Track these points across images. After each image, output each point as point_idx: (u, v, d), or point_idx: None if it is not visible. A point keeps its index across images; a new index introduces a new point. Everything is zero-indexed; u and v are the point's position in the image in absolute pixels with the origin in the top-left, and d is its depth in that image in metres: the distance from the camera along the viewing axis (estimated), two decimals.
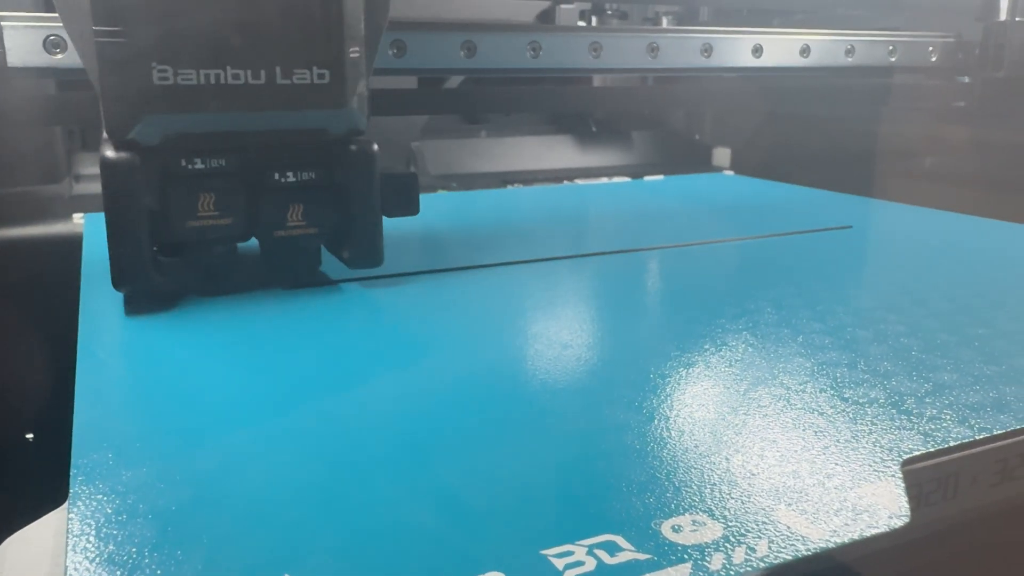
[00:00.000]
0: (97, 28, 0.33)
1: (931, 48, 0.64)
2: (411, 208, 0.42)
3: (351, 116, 0.37)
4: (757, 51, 0.58)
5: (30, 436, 0.49)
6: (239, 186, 0.37)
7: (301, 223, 0.39)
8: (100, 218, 0.56)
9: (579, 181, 0.79)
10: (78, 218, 0.58)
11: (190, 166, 0.36)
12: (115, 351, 0.34)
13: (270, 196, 0.38)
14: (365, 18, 0.37)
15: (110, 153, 0.35)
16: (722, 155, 0.92)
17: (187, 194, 0.36)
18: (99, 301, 0.39)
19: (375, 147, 0.39)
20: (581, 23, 0.81)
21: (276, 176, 0.38)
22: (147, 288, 0.37)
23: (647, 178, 0.80)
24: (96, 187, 0.66)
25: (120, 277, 0.36)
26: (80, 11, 0.33)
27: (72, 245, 0.52)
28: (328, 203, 0.39)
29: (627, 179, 0.80)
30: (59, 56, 0.38)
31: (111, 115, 0.34)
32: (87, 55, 0.34)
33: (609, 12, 0.83)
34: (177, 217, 0.36)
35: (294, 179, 0.38)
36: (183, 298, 0.39)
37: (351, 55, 0.36)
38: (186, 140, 0.36)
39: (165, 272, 0.38)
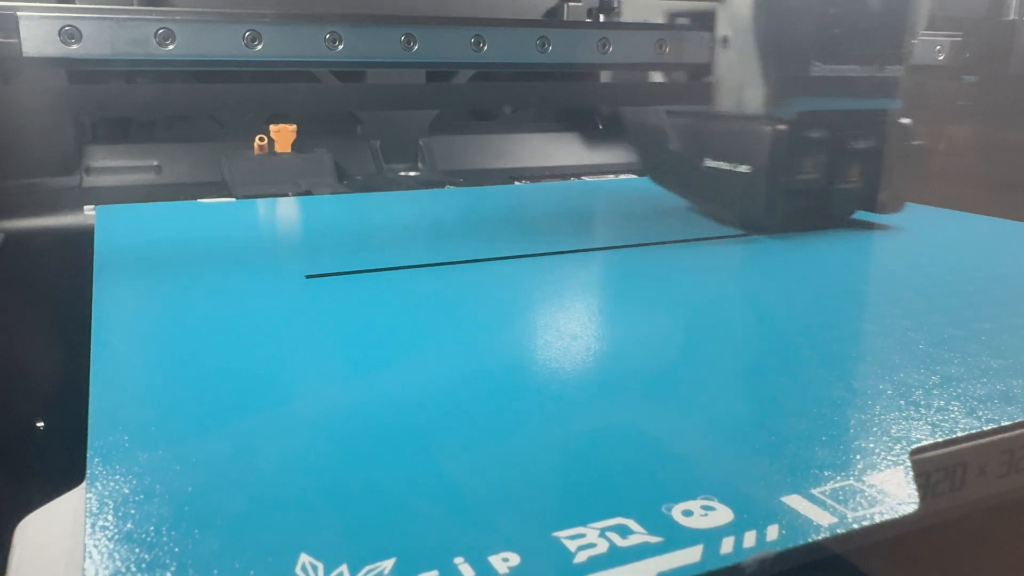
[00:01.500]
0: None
1: (938, 47, 0.64)
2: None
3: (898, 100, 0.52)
4: None
5: (41, 424, 0.49)
6: (830, 151, 0.51)
7: (854, 179, 0.52)
8: (111, 210, 0.57)
9: (586, 178, 0.79)
10: (89, 210, 0.58)
11: (811, 135, 0.50)
12: (127, 338, 0.34)
13: (847, 158, 0.51)
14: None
15: (771, 127, 0.49)
16: None
17: (805, 155, 0.49)
18: (111, 290, 0.39)
19: (909, 121, 0.53)
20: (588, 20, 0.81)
21: (852, 144, 0.51)
22: (778, 225, 0.51)
23: None
24: (107, 179, 0.67)
25: (768, 215, 0.51)
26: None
27: (83, 237, 0.52)
28: (876, 165, 0.52)
29: (633, 176, 0.80)
30: (75, 46, 0.39)
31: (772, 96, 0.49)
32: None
33: (616, 7, 0.83)
34: (796, 171, 0.50)
35: (860, 146, 0.51)
36: (197, 290, 0.40)
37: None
38: (809, 116, 0.49)
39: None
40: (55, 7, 0.38)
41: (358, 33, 0.44)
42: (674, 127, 0.57)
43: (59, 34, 0.38)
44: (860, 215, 0.56)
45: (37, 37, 0.38)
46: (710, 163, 0.53)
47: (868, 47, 0.50)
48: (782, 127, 0.49)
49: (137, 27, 0.39)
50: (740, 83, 0.51)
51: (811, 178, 0.51)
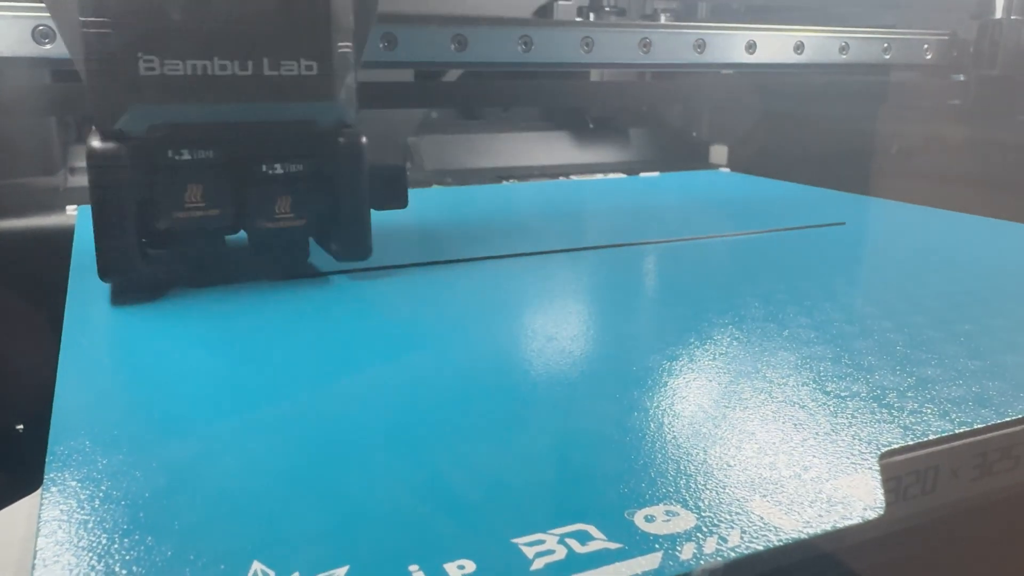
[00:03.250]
0: (84, 19, 0.32)
1: (926, 46, 0.64)
2: (400, 201, 0.42)
3: (339, 108, 0.37)
4: (751, 47, 0.58)
5: (20, 427, 0.49)
6: (226, 177, 0.37)
7: (289, 215, 0.38)
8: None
9: (575, 177, 0.79)
10: (71, 210, 0.58)
11: (177, 157, 0.36)
12: (99, 340, 0.34)
13: (257, 187, 0.38)
14: (355, 11, 0.37)
15: (97, 143, 0.35)
16: (719, 152, 0.92)
17: (174, 185, 0.36)
18: (86, 291, 0.39)
19: (363, 139, 0.39)
20: (578, 19, 0.81)
21: (264, 168, 0.38)
22: (134, 279, 0.37)
23: (643, 175, 0.80)
24: None
25: (106, 268, 0.36)
26: (67, 2, 0.33)
27: (66, 237, 0.52)
28: (316, 195, 0.39)
29: (623, 175, 0.80)
30: (48, 46, 0.38)
31: (98, 105, 0.34)
32: (74, 45, 0.34)
33: (607, 8, 0.83)
34: (164, 208, 0.36)
35: (282, 171, 0.38)
36: (169, 289, 0.39)
37: (340, 48, 0.36)
38: (173, 131, 0.36)
39: (152, 263, 0.38)
40: (27, 6, 0.38)
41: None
42: None
43: (32, 34, 0.38)
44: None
45: (10, 37, 0.38)
46: None
47: (244, 40, 0.35)
48: (102, 146, 0.35)
49: None
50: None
51: (196, 217, 0.37)
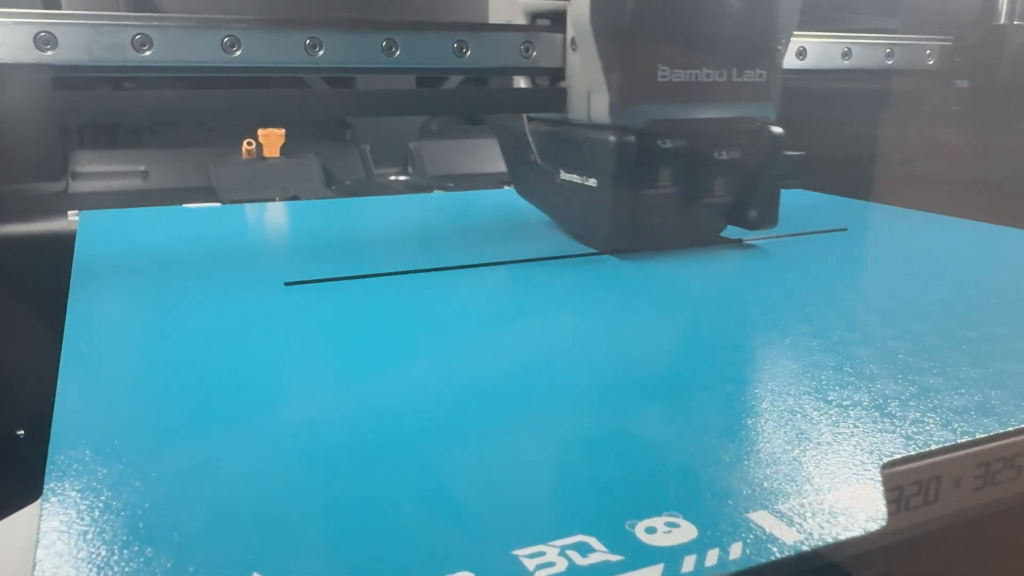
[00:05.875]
0: (610, 39, 0.44)
1: (928, 51, 0.63)
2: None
3: (772, 108, 0.48)
4: None
5: (21, 432, 0.49)
6: (689, 162, 0.47)
7: (723, 193, 0.48)
8: (94, 215, 0.57)
9: None
10: (73, 215, 0.58)
11: (662, 145, 0.46)
12: (99, 346, 0.34)
13: (708, 170, 0.47)
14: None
15: (613, 137, 0.45)
16: None
17: (656, 167, 0.46)
18: (87, 297, 0.39)
19: (780, 131, 0.49)
20: None
21: (715, 154, 0.47)
22: (628, 245, 0.48)
23: None
24: (92, 185, 0.66)
25: (613, 236, 0.47)
26: (585, 24, 0.44)
27: (68, 242, 0.52)
28: (741, 176, 0.48)
29: None
30: (50, 53, 0.38)
31: (612, 104, 0.45)
32: (589, 55, 0.45)
33: None
34: (647, 185, 0.46)
35: (726, 157, 0.47)
36: (173, 297, 0.39)
37: (779, 59, 0.48)
38: (662, 125, 0.45)
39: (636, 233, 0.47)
40: (29, 12, 0.38)
41: (339, 39, 0.44)
42: (533, 135, 0.53)
43: (34, 40, 0.38)
44: (731, 231, 0.52)
45: (12, 44, 0.38)
46: (564, 176, 0.50)
47: (725, 52, 0.46)
48: (629, 137, 0.45)
49: (113, 33, 0.39)
50: (588, 89, 0.47)
51: (667, 193, 0.47)
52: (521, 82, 0.53)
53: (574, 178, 0.48)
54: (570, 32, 0.48)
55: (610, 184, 0.45)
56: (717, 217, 0.50)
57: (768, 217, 0.49)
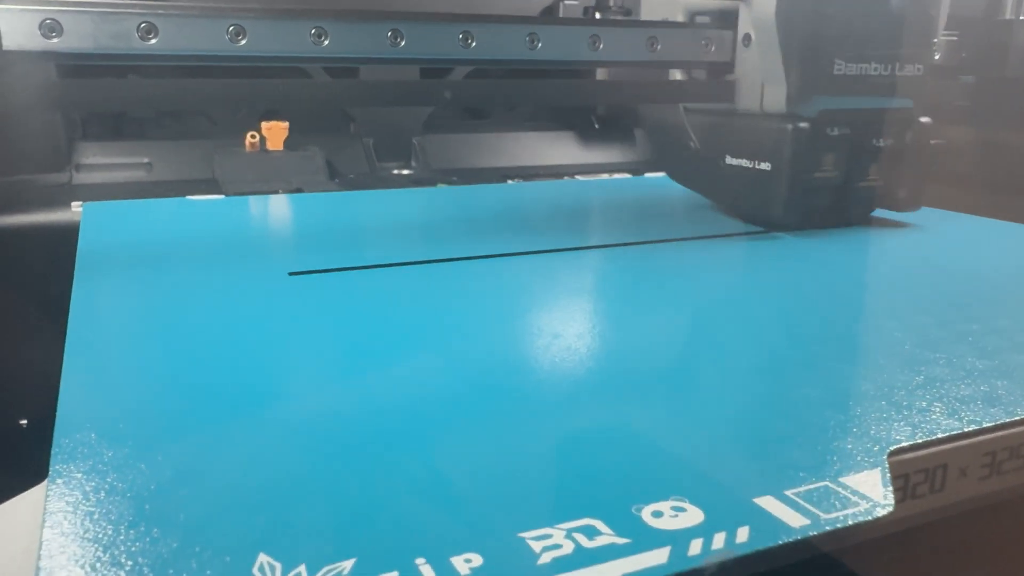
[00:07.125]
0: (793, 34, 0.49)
1: (935, 47, 0.63)
2: None
3: (921, 99, 0.53)
4: None
5: (24, 422, 0.49)
6: (849, 148, 0.51)
7: (874, 177, 0.52)
8: (98, 207, 0.57)
9: (579, 177, 0.79)
10: (76, 206, 0.58)
11: (830, 132, 0.50)
12: (103, 334, 0.34)
13: (865, 156, 0.52)
14: None
15: (790, 125, 0.50)
16: None
17: (822, 153, 0.50)
18: (91, 286, 0.39)
19: (929, 120, 0.53)
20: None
21: (873, 141, 0.52)
22: (797, 223, 0.52)
23: (648, 175, 0.80)
24: (96, 176, 0.66)
25: (786, 214, 0.51)
26: (769, 20, 0.50)
27: (72, 234, 0.52)
28: (895, 162, 0.52)
29: (628, 176, 0.79)
30: (55, 40, 0.38)
31: (790, 95, 0.50)
32: (768, 48, 0.51)
33: (612, 6, 0.82)
34: (814, 168, 0.50)
35: (880, 144, 0.52)
36: (177, 286, 0.39)
37: (933, 54, 0.53)
38: (830, 114, 0.50)
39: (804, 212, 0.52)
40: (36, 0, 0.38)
41: (344, 28, 0.44)
42: (693, 125, 0.58)
43: (40, 27, 0.38)
44: (879, 213, 0.56)
45: (17, 31, 0.38)
46: (731, 161, 0.54)
47: (889, 47, 0.51)
48: (804, 125, 0.49)
49: (119, 21, 0.39)
50: (762, 82, 0.52)
51: (831, 176, 0.51)
52: (677, 75, 0.57)
53: (743, 163, 0.53)
54: (744, 29, 0.53)
55: (785, 167, 0.50)
56: (870, 199, 0.54)
57: (914, 199, 0.54)
